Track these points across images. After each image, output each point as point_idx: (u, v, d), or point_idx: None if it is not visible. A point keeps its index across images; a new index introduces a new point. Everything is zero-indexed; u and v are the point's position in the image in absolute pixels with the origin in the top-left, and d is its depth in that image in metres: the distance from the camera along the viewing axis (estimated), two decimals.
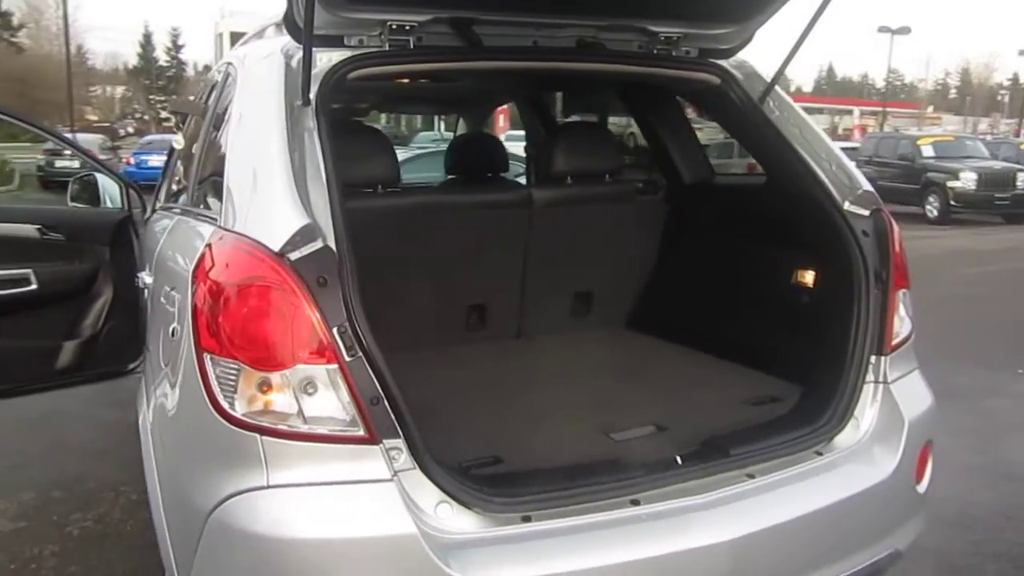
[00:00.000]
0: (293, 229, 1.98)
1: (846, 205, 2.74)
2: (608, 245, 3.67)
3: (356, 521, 1.92)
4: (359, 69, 2.46)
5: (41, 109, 49.79)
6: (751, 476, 2.31)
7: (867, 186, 2.77)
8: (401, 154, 5.65)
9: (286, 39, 2.50)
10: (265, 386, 1.94)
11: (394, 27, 2.52)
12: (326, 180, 2.15)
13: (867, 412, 2.58)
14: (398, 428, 1.98)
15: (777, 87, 3.04)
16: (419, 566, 1.91)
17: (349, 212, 2.99)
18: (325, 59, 2.44)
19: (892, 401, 2.59)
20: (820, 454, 2.46)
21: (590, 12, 2.79)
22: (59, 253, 4.05)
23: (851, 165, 2.84)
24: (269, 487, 1.93)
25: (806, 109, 3.13)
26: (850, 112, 58.72)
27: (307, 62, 2.24)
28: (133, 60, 76.88)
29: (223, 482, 1.96)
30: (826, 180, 2.79)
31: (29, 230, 4.03)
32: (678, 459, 2.27)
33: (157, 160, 21.82)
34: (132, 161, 21.98)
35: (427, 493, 2.00)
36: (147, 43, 75.27)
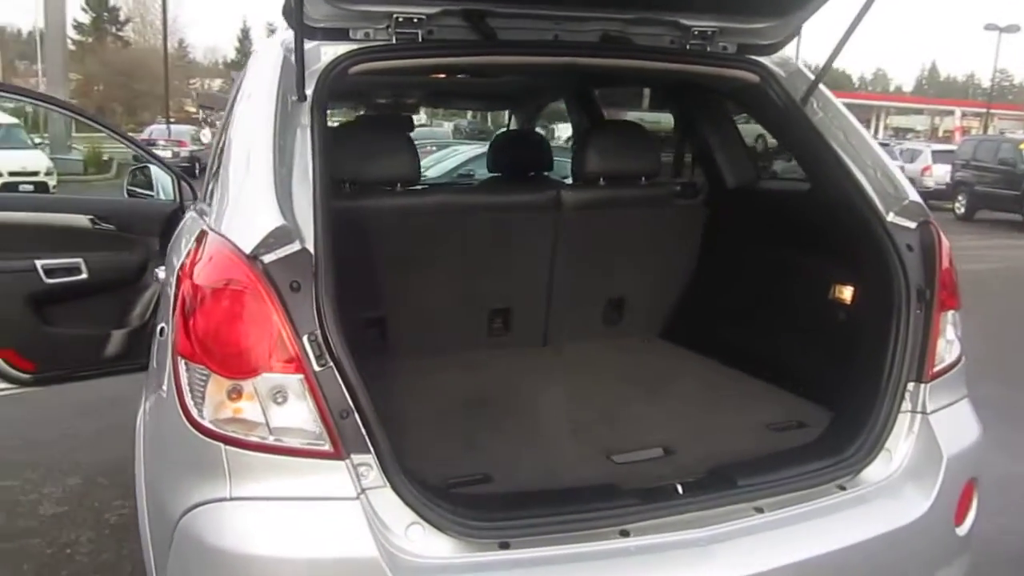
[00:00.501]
0: (266, 231, 1.90)
1: (890, 216, 2.51)
2: (643, 250, 3.49)
3: (316, 541, 1.82)
4: (361, 64, 2.37)
5: (142, 101, 52.06)
6: (759, 510, 2.11)
7: (914, 196, 2.53)
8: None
9: (291, 33, 2.42)
10: (233, 394, 1.86)
11: (401, 20, 2.42)
12: (312, 179, 2.06)
13: (901, 445, 2.35)
14: (368, 443, 1.88)
15: (822, 86, 2.81)
16: None
17: (363, 211, 2.93)
18: (328, 53, 2.36)
19: (930, 434, 2.36)
20: (843, 488, 2.24)
21: (616, 4, 2.62)
22: (110, 243, 4.10)
23: (898, 173, 2.60)
24: (231, 499, 1.86)
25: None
26: (951, 113, 55.90)
27: (299, 56, 2.16)
28: (232, 54, 79.77)
29: (190, 490, 1.90)
30: (869, 188, 2.56)
31: (82, 220, 4.10)
32: (679, 487, 2.10)
33: None
34: None
35: (398, 513, 1.89)
36: (244, 38, 77.97)
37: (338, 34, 2.42)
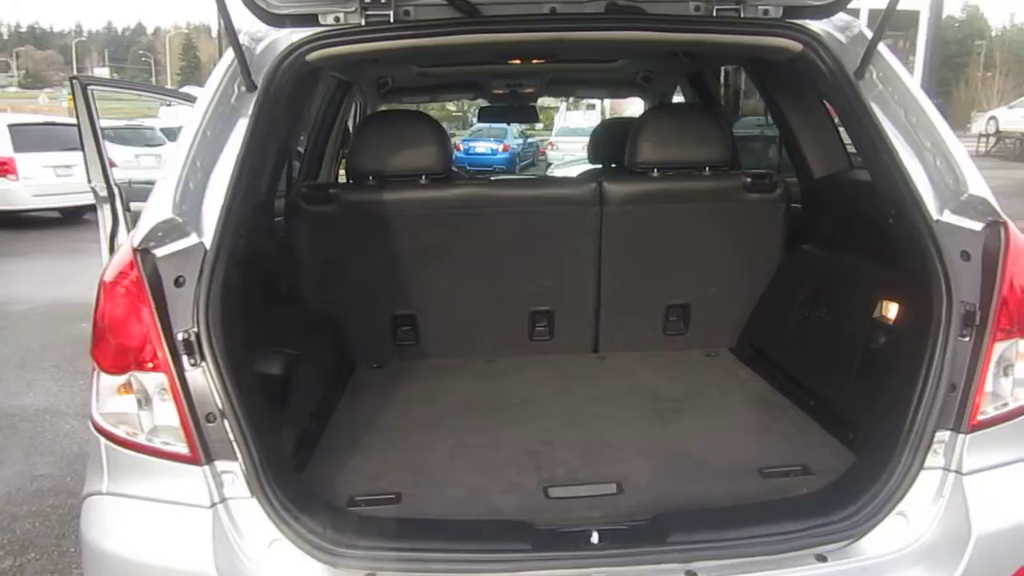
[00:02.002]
0: (150, 224, 1.86)
1: (944, 215, 1.96)
2: (711, 252, 3.06)
3: (158, 546, 1.76)
4: (321, 50, 2.26)
5: None
6: (691, 574, 1.73)
7: (980, 189, 1.95)
8: None
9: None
10: (120, 389, 1.86)
11: (369, 1, 2.27)
12: (233, 172, 1.99)
13: (923, 511, 1.82)
14: (236, 449, 1.78)
15: (886, 53, 2.26)
16: None
17: (387, 204, 2.84)
18: (285, 42, 2.28)
19: (962, 501, 1.80)
20: (823, 559, 1.78)
21: None
22: None
23: (963, 160, 2.02)
24: (105, 493, 1.86)
25: None
26: None
27: (234, 42, 2.10)
28: None
29: (87, 480, 1.93)
30: (918, 179, 2.02)
31: None
32: (595, 536, 1.77)
33: (483, 147, 23.48)
34: (461, 147, 23.65)
35: (260, 527, 1.77)
36: None
37: (307, 20, 2.32)
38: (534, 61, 3.87)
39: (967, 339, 1.85)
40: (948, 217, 1.95)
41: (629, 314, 3.14)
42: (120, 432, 1.84)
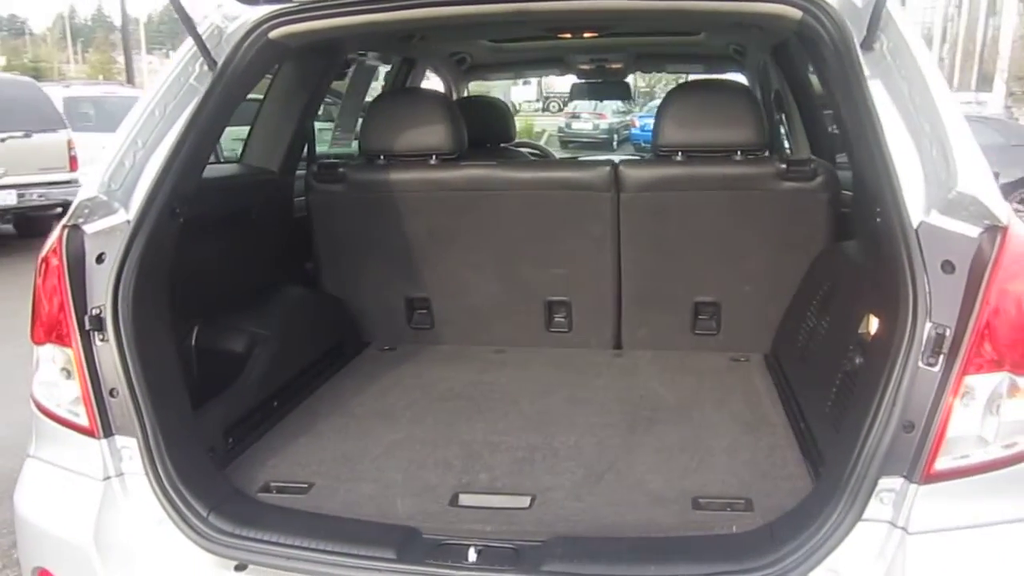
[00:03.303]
0: (77, 201, 1.91)
1: (931, 216, 1.62)
2: (742, 245, 2.75)
3: (52, 513, 1.83)
4: (283, 27, 2.21)
5: None
6: None
7: (974, 185, 1.59)
8: None
9: None
10: (44, 360, 1.93)
11: None
12: (170, 148, 2.00)
13: (859, 570, 1.53)
14: (136, 425, 1.80)
15: (900, 20, 1.91)
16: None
17: (396, 184, 2.79)
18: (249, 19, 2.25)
19: (902, 565, 1.49)
20: None
21: None
22: None
23: (962, 146, 1.65)
24: (31, 456, 1.96)
25: None
26: None
27: (184, 19, 2.10)
28: None
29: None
30: (904, 171, 1.68)
31: None
32: (472, 553, 1.64)
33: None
34: (637, 124, 23.20)
35: (152, 506, 1.78)
36: None
37: None
38: (563, 35, 3.66)
39: (935, 368, 1.52)
40: (934, 219, 1.61)
41: (654, 310, 2.90)
42: (41, 401, 1.91)
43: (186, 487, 1.78)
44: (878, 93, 1.83)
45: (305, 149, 3.05)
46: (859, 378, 1.80)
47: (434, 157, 2.82)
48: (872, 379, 1.60)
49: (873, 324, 1.85)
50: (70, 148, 10.95)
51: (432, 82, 4.55)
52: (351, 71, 3.59)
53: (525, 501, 1.88)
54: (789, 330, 2.63)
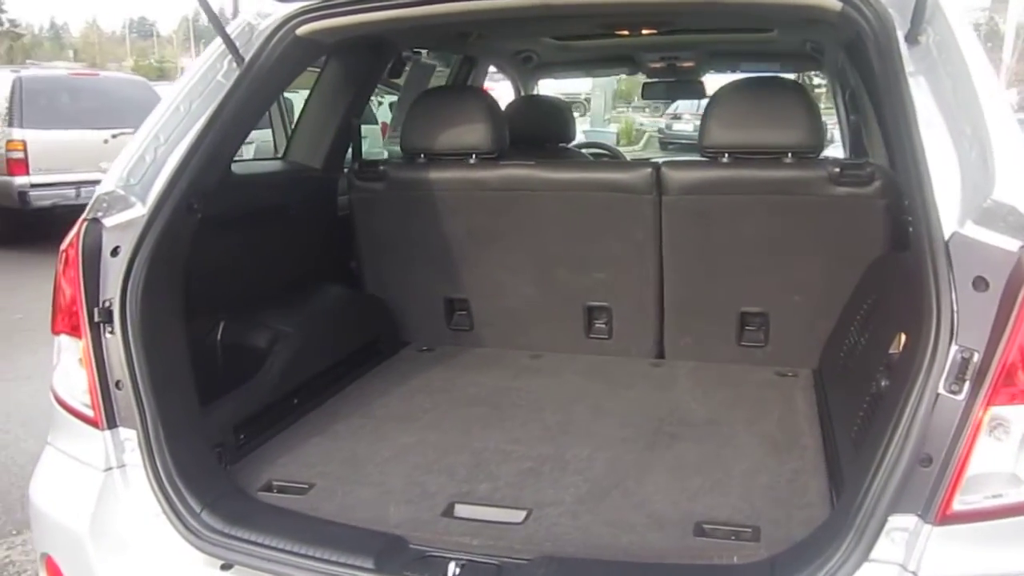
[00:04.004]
0: (96, 195, 1.95)
1: (966, 226, 1.46)
2: (792, 253, 2.58)
3: (55, 500, 1.87)
4: (311, 23, 2.20)
5: None
6: None
7: (1017, 195, 1.42)
8: None
9: None
10: (62, 351, 1.98)
11: None
12: (190, 143, 2.02)
13: None
14: (137, 417, 1.82)
15: (950, 10, 1.74)
16: (78, 568, 1.76)
17: (436, 183, 2.76)
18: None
19: None
20: None
21: None
22: None
23: (1004, 150, 1.48)
24: (48, 444, 2.01)
25: None
26: None
27: (210, 14, 2.12)
28: None
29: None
30: (939, 175, 1.53)
31: None
32: (453, 568, 1.58)
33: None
34: None
35: (147, 499, 1.80)
36: None
37: None
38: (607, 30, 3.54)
39: (958, 396, 1.36)
40: (969, 230, 1.45)
41: (698, 319, 2.76)
42: (58, 390, 1.96)
43: (184, 482, 1.78)
44: (919, 90, 1.67)
45: (351, 148, 3.04)
46: (882, 402, 1.64)
47: (473, 156, 2.77)
48: (891, 404, 1.46)
49: (902, 343, 1.69)
50: None
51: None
52: (408, 69, 3.58)
53: (520, 516, 1.80)
54: (834, 345, 2.45)
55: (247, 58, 2.17)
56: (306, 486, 1.96)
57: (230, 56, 2.17)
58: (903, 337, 1.68)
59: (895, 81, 1.70)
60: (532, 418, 2.35)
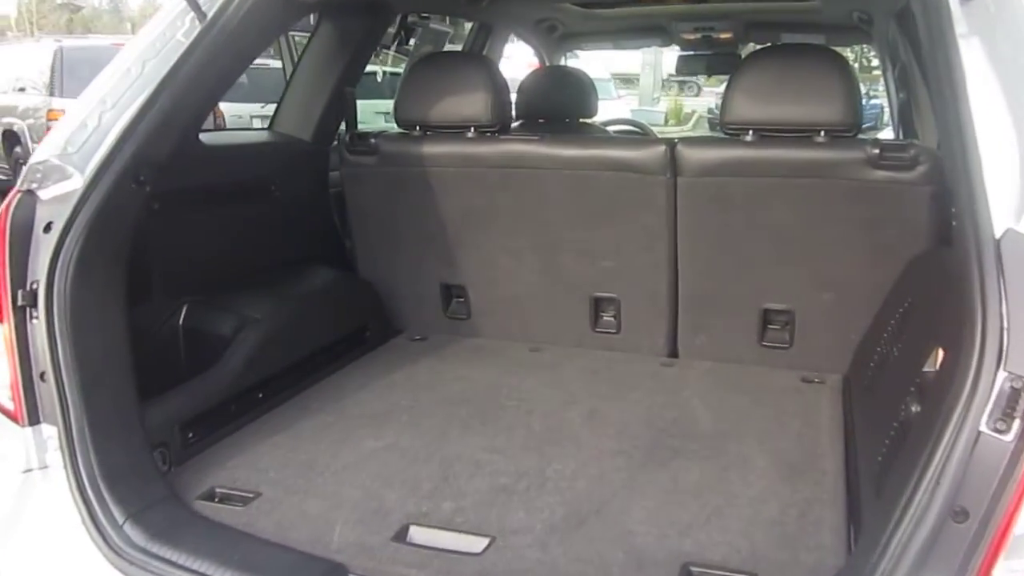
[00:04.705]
0: (30, 164, 1.75)
1: (1023, 223, 1.18)
2: (823, 244, 2.29)
3: None
4: None
5: None
6: None
7: None
8: None
9: None
10: None
11: None
12: (137, 108, 1.81)
13: None
14: (59, 413, 1.63)
15: None
16: None
17: (430, 158, 2.52)
18: None
19: None
20: None
21: None
22: None
23: None
24: None
25: None
26: None
27: None
28: None
29: None
30: (992, 160, 1.24)
31: None
32: None
33: None
34: None
35: (69, 503, 1.61)
36: None
37: None
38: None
39: (1005, 437, 1.09)
40: None
41: (716, 315, 2.48)
42: None
43: (109, 487, 1.59)
44: (972, 54, 1.38)
45: (345, 119, 2.80)
46: (911, 432, 1.36)
47: (472, 129, 2.52)
48: (921, 438, 1.18)
49: (939, 361, 1.40)
50: (215, 117, 11.50)
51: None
52: (416, 36, 3.33)
53: (480, 544, 1.56)
54: (865, 351, 2.16)
55: (210, 14, 1.94)
56: (251, 495, 1.75)
57: (192, 13, 1.95)
58: (940, 353, 1.40)
59: (942, 43, 1.40)
60: (519, 422, 2.11)
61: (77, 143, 1.79)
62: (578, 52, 5.03)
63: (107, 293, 1.76)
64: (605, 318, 2.63)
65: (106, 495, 1.58)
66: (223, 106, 11.59)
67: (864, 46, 5.12)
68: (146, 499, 1.63)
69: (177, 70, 1.86)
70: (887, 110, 4.97)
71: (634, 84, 26.20)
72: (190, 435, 1.93)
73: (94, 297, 1.71)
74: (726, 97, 2.29)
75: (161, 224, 2.12)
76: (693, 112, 26.46)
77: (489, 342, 2.72)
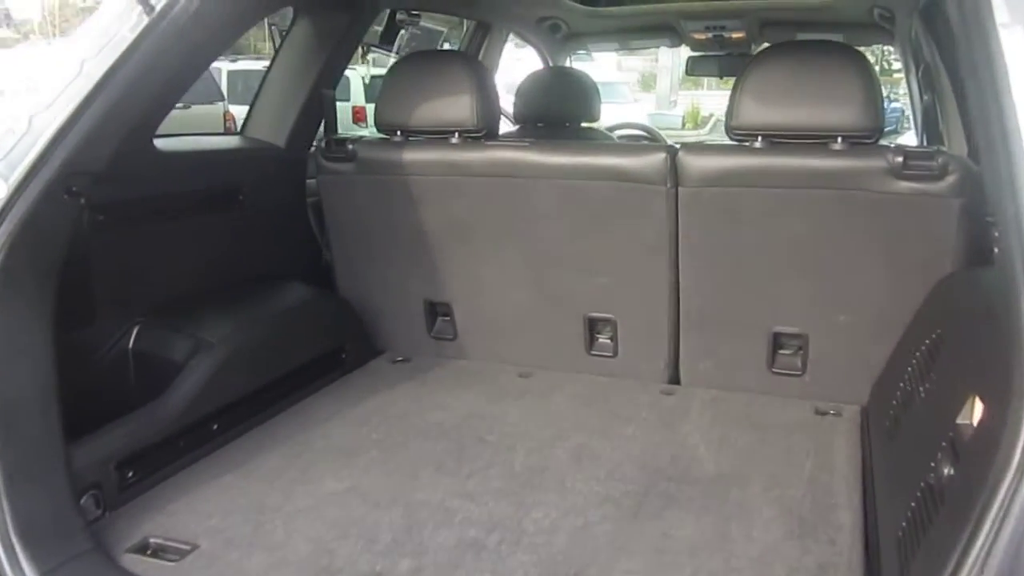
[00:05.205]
0: None
1: None
2: (840, 261, 2.07)
3: None
4: None
5: None
6: None
7: None
8: None
9: None
10: None
11: None
12: (70, 111, 1.62)
13: None
14: None
15: None
16: None
17: (412, 165, 2.33)
18: None
19: None
20: None
21: None
22: None
23: None
24: None
25: None
26: None
27: None
28: None
29: None
30: None
31: None
32: None
33: None
34: None
35: None
36: None
37: None
38: None
39: None
40: None
41: (721, 338, 2.26)
42: None
43: (22, 539, 1.40)
44: (1015, 47, 1.15)
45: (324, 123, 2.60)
46: (943, 503, 1.14)
47: (456, 135, 2.32)
48: (959, 512, 0.97)
49: (976, 415, 1.18)
50: (226, 120, 11.36)
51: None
52: (403, 36, 3.13)
53: None
54: (887, 383, 1.93)
55: (158, 7, 1.75)
56: (187, 547, 1.55)
57: (140, 7, 1.76)
58: (978, 405, 1.18)
59: (980, 35, 1.18)
60: (498, 460, 1.90)
61: (4, 148, 1.60)
62: (591, 54, 4.83)
63: (32, 316, 1.56)
64: (601, 340, 2.42)
65: (18, 549, 1.39)
66: (235, 109, 11.55)
67: (885, 47, 4.87)
68: (65, 553, 1.44)
69: (117, 69, 1.67)
70: (909, 115, 4.73)
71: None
72: (129, 474, 1.74)
73: (16, 321, 1.52)
74: (733, 100, 2.08)
75: (108, 238, 1.93)
76: (711, 115, 26.13)
77: (476, 365, 2.51)
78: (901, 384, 1.74)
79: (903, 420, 1.66)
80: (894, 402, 1.75)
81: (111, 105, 1.65)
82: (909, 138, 4.48)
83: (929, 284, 1.95)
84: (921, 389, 1.60)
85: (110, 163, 1.71)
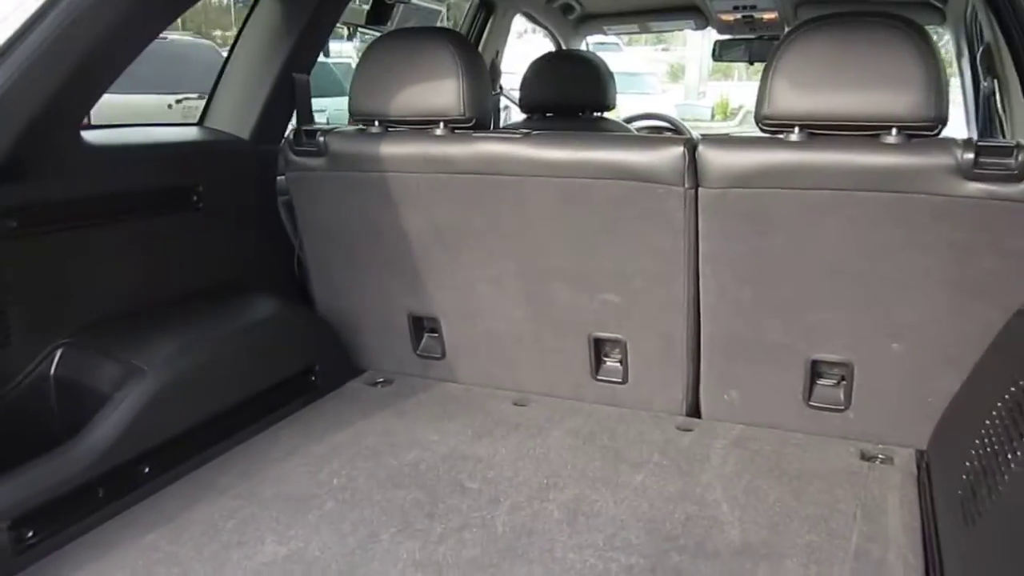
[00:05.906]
0: None
1: None
2: (891, 276, 1.72)
3: None
4: None
5: None
6: None
7: None
8: None
9: None
10: None
11: None
12: None
13: None
14: None
15: None
16: None
17: (392, 160, 2.02)
18: None
19: None
20: None
21: None
22: None
23: None
24: None
25: None
26: None
27: None
28: None
29: None
30: None
31: None
32: None
33: None
34: None
35: None
36: None
37: None
38: None
39: None
40: None
41: (749, 365, 1.92)
42: None
43: None
44: None
45: (296, 112, 2.30)
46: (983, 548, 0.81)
47: (440, 125, 2.01)
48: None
49: None
50: None
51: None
52: (396, 14, 2.81)
53: None
54: (954, 432, 1.59)
55: None
56: None
57: None
58: None
59: None
60: (478, 518, 1.58)
61: None
62: (620, 45, 4.50)
63: None
64: (608, 364, 2.09)
65: None
66: None
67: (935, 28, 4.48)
68: None
69: (13, 46, 1.38)
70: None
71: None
72: (29, 535, 1.44)
73: None
74: (764, 83, 1.74)
75: (22, 247, 1.64)
76: (740, 107, 25.51)
77: (466, 389, 2.20)
78: (977, 441, 1.40)
79: (989, 499, 1.31)
80: (968, 464, 1.41)
81: (9, 84, 1.37)
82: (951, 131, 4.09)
83: (1006, 309, 1.60)
84: (1018, 451, 1.25)
85: (9, 157, 1.43)
